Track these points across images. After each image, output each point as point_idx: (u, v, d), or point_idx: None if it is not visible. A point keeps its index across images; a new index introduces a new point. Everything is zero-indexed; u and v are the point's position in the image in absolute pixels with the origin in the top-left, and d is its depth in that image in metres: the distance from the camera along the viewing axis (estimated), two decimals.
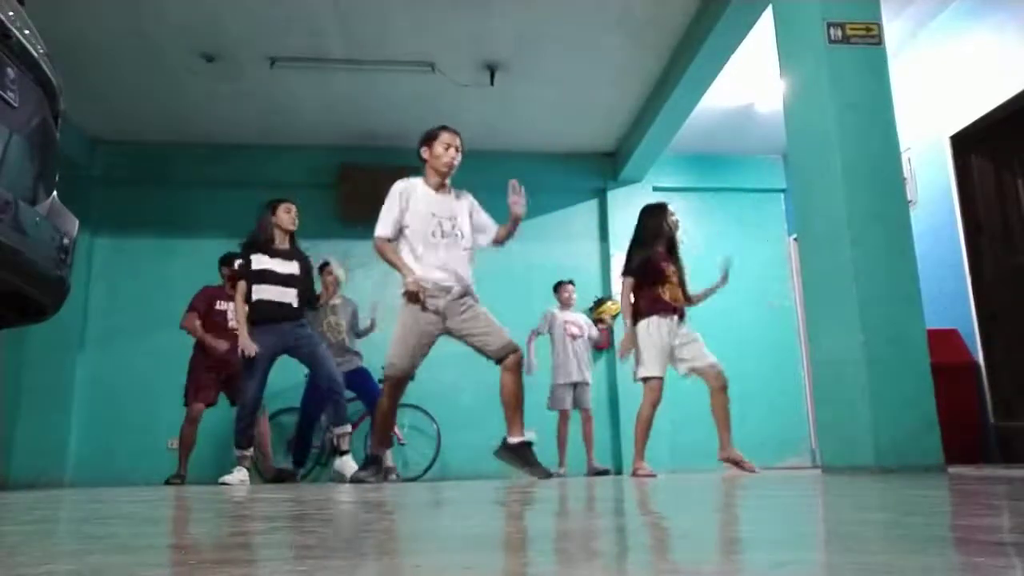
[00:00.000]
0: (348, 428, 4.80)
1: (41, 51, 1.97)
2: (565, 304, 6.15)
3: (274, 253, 4.70)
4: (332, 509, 1.73)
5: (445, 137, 3.97)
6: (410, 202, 3.93)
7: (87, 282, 6.71)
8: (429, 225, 3.88)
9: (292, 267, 4.71)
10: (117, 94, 6.17)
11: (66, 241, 2.07)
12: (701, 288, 4.55)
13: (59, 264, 2.01)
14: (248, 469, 4.68)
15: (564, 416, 5.95)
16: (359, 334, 5.94)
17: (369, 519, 1.40)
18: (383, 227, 3.93)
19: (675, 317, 4.34)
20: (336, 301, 5.78)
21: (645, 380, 4.28)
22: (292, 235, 4.82)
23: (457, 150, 3.98)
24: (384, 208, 3.96)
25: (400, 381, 3.87)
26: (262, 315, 4.58)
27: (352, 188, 6.99)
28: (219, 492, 3.15)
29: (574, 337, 6.01)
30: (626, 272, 4.48)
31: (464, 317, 3.83)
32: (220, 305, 5.58)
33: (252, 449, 4.75)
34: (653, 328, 4.28)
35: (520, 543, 0.95)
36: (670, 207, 4.57)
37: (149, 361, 6.56)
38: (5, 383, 6.18)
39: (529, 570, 0.68)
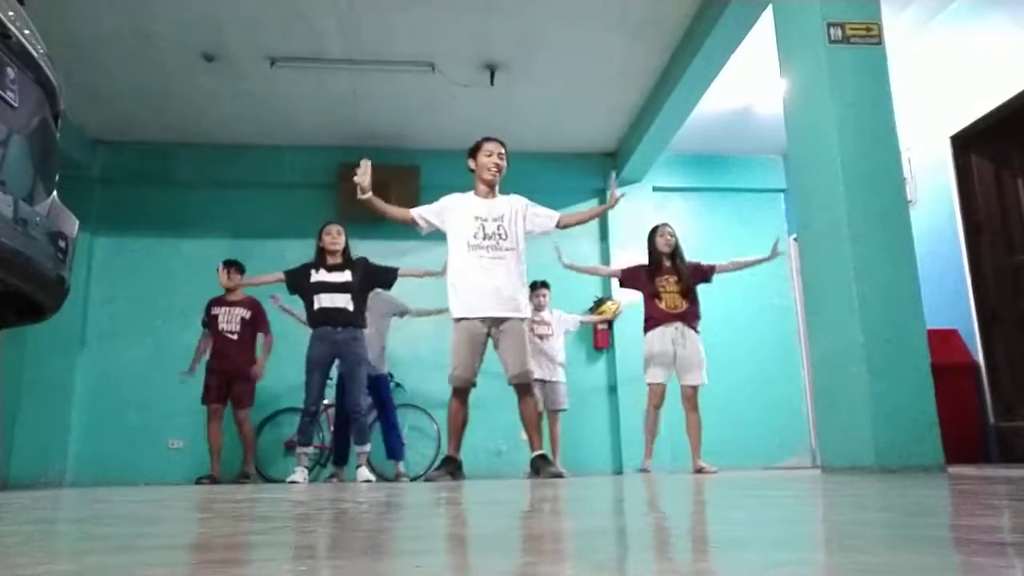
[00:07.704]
0: (367, 448, 5.11)
1: (41, 51, 1.97)
2: (536, 308, 5.91)
3: (329, 268, 5.11)
4: (332, 509, 1.73)
5: (487, 146, 4.32)
6: (455, 209, 4.23)
7: (87, 282, 6.70)
8: (471, 228, 4.14)
9: (345, 276, 5.07)
10: (117, 94, 6.16)
11: (66, 241, 2.07)
12: (743, 258, 5.14)
13: (59, 264, 2.01)
14: (308, 468, 4.97)
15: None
16: (405, 313, 5.96)
17: (369, 519, 1.40)
18: (417, 208, 4.36)
19: (678, 323, 4.77)
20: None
21: (648, 385, 4.83)
22: (345, 248, 5.16)
23: (500, 156, 4.28)
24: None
25: (461, 389, 4.12)
26: (319, 320, 5.01)
27: (352, 188, 6.94)
28: (219, 492, 3.15)
29: (542, 337, 5.91)
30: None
31: (503, 328, 4.10)
32: (213, 311, 5.72)
33: (311, 448, 5.13)
34: (654, 338, 4.82)
35: (517, 543, 0.95)
36: (661, 228, 5.06)
37: (149, 361, 6.57)
38: (5, 383, 6.18)
39: (527, 570, 0.68)
